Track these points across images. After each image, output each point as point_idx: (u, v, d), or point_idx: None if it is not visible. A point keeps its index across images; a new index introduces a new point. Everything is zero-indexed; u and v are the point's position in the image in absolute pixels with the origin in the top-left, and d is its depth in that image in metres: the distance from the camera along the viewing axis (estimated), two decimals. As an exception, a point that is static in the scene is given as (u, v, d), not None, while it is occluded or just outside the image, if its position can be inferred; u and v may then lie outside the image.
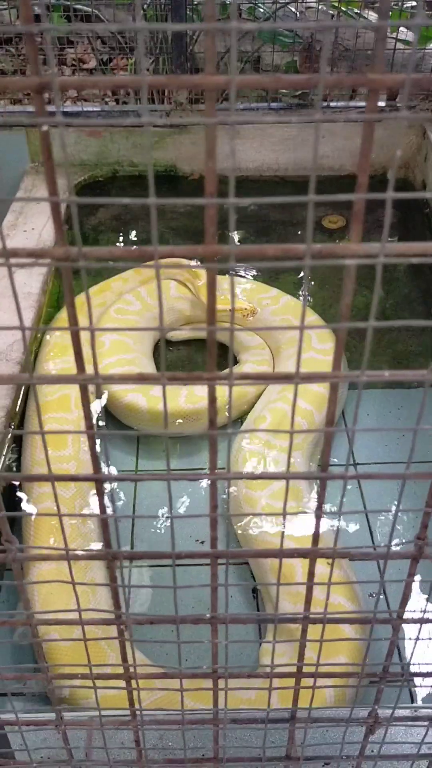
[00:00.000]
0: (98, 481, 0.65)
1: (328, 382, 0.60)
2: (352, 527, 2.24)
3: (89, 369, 0.57)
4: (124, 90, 4.07)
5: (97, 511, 2.21)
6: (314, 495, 2.28)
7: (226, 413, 2.57)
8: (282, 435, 2.38)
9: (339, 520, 0.70)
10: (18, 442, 2.41)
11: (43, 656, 0.83)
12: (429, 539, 0.73)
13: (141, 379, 0.59)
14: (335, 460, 2.45)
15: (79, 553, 0.70)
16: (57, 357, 2.61)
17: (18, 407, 2.44)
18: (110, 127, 3.46)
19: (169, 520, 0.73)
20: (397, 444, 2.52)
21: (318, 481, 0.86)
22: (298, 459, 2.35)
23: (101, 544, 2.12)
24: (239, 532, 2.16)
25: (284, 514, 0.68)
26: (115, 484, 2.42)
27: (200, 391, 2.57)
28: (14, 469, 2.33)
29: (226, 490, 2.26)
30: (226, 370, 0.60)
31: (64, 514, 0.67)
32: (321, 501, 0.70)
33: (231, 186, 0.49)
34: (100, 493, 0.67)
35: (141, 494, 2.37)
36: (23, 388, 2.52)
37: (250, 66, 4.01)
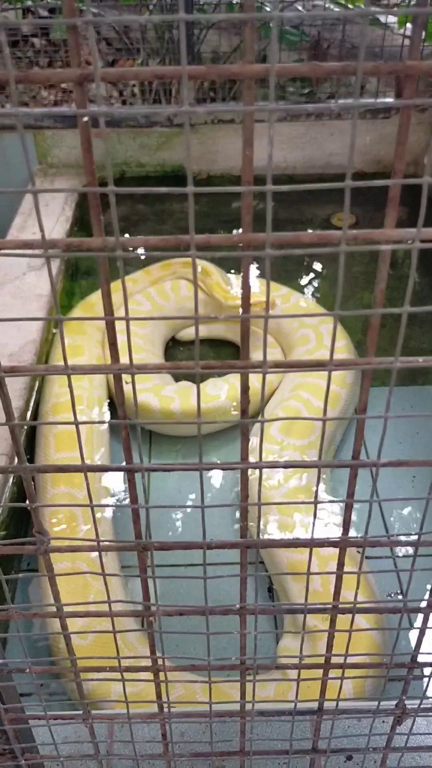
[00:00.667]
0: (131, 471, 0.66)
1: (360, 369, 0.60)
2: (365, 517, 2.24)
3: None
4: (129, 91, 4.09)
5: (107, 511, 2.21)
6: (329, 497, 2.28)
7: (233, 411, 2.58)
8: (295, 434, 2.38)
9: (370, 507, 0.69)
10: (29, 442, 2.42)
11: (72, 650, 0.83)
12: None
13: (175, 368, 0.59)
14: (346, 457, 2.44)
15: (111, 544, 0.71)
16: (68, 357, 2.62)
17: (30, 409, 2.45)
18: (122, 129, 3.47)
19: (189, 516, 0.73)
20: (411, 441, 2.52)
21: (331, 483, 0.87)
22: (314, 457, 2.35)
23: (112, 537, 2.13)
24: (253, 531, 2.17)
25: (315, 502, 0.68)
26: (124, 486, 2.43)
27: (212, 390, 2.58)
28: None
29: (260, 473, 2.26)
30: (259, 359, 0.60)
31: (96, 504, 0.67)
32: (352, 490, 0.70)
33: (268, 180, 0.49)
34: (132, 485, 0.67)
35: (153, 494, 2.37)
36: (36, 390, 2.53)
37: (258, 62, 4.01)
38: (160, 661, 0.84)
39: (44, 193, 3.40)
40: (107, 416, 2.58)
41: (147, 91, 3.77)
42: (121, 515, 2.26)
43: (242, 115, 0.48)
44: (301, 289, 3.10)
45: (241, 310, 0.56)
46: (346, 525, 0.72)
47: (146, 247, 0.52)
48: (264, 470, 2.06)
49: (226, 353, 2.94)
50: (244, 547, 0.72)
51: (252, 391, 2.14)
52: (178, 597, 2.05)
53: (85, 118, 0.48)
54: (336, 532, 2.01)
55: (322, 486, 2.23)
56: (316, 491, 0.67)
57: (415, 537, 0.74)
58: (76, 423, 0.61)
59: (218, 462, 2.47)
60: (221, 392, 2.56)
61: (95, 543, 0.70)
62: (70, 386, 0.60)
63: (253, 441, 2.37)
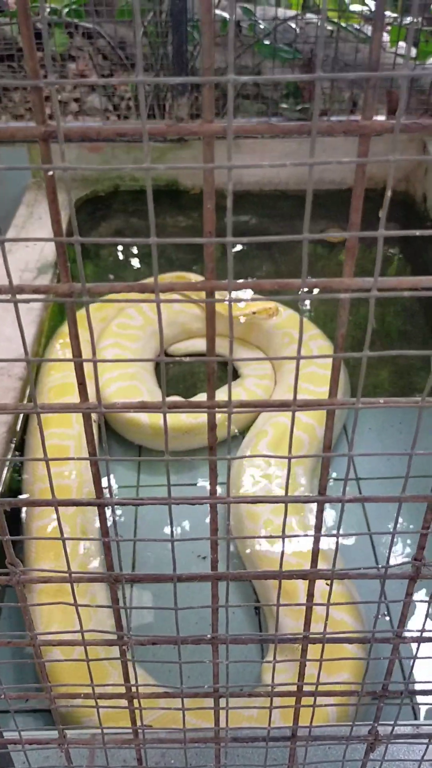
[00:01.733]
0: (101, 506, 0.67)
1: (324, 409, 0.61)
2: (355, 543, 2.25)
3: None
4: (126, 104, 4.12)
5: (98, 524, 2.22)
6: (312, 515, 2.29)
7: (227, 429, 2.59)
8: (284, 451, 2.39)
9: (337, 540, 0.71)
10: (18, 448, 2.43)
11: (46, 677, 0.84)
12: (427, 560, 0.75)
13: (142, 407, 0.61)
14: (334, 474, 2.46)
15: (82, 575, 0.72)
16: (58, 371, 2.63)
17: (20, 423, 2.46)
18: (111, 141, 3.50)
19: (173, 537, 0.74)
20: (399, 458, 2.53)
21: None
22: (300, 473, 2.36)
23: (101, 558, 2.14)
24: (241, 547, 2.17)
25: (283, 537, 0.69)
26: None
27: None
28: (17, 475, 2.34)
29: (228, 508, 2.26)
30: (225, 398, 0.62)
31: (68, 537, 0.68)
32: (319, 524, 0.71)
33: (228, 225, 0.50)
34: (103, 518, 0.68)
35: (143, 510, 2.38)
36: (31, 377, 2.54)
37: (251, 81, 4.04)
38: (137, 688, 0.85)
39: (38, 206, 3.42)
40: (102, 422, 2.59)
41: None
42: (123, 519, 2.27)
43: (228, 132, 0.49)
44: (294, 305, 3.12)
45: (206, 353, 0.58)
46: (314, 557, 0.73)
47: (111, 292, 0.54)
48: (252, 485, 2.05)
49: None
50: (213, 579, 0.73)
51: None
52: (172, 623, 2.06)
53: (51, 173, 0.49)
54: (326, 548, 2.01)
55: (306, 506, 2.23)
56: (284, 522, 0.68)
57: (388, 568, 0.75)
58: (47, 459, 0.62)
59: (200, 484, 2.48)
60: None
61: (66, 574, 0.71)
62: (40, 426, 0.61)
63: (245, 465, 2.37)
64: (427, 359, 3.00)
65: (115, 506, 2.42)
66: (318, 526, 0.70)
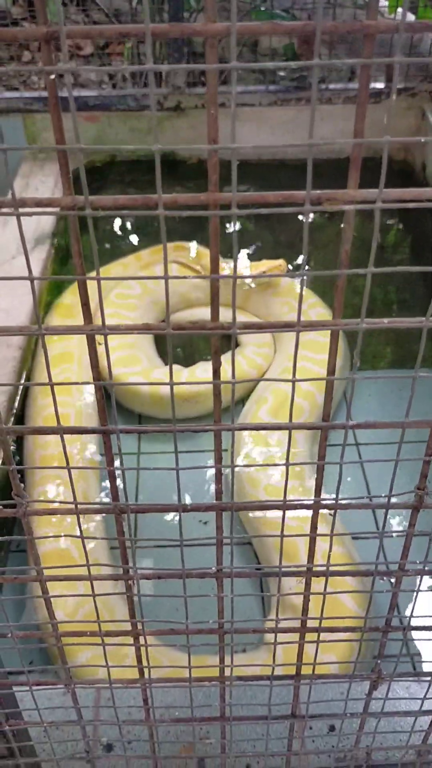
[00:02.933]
0: (105, 433, 0.67)
1: (329, 330, 0.61)
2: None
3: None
4: (121, 75, 4.07)
5: (102, 488, 2.23)
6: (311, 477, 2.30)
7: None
8: (284, 417, 2.39)
9: (341, 471, 0.71)
10: (23, 396, 2.46)
11: (53, 613, 0.85)
12: (429, 489, 0.75)
13: (146, 328, 0.61)
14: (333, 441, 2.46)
15: (88, 506, 0.72)
16: (60, 340, 2.63)
17: (19, 396, 2.46)
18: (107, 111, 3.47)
19: (176, 479, 0.74)
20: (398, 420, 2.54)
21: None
22: (300, 439, 2.37)
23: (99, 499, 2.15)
24: (242, 512, 2.19)
25: (284, 500, 0.70)
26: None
27: (202, 373, 2.59)
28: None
29: (231, 471, 2.28)
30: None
31: (74, 467, 0.69)
32: (323, 451, 0.71)
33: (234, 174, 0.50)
34: (108, 446, 0.69)
35: (144, 478, 2.39)
36: (31, 347, 2.55)
37: (248, 49, 4.00)
38: (141, 626, 0.86)
39: (33, 178, 3.40)
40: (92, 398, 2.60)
41: (138, 74, 3.76)
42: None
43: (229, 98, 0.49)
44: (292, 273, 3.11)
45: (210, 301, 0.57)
46: (318, 487, 0.74)
47: (115, 206, 0.53)
48: (252, 450, 2.06)
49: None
50: (218, 509, 0.74)
51: (240, 373, 2.15)
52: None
53: (52, 76, 0.49)
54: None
55: (306, 472, 2.25)
56: (288, 453, 0.68)
57: (387, 499, 0.75)
58: (51, 384, 0.62)
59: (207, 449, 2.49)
60: (209, 376, 2.57)
61: (73, 506, 0.72)
62: (44, 345, 0.61)
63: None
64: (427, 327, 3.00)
65: (120, 472, 2.43)
66: (322, 455, 0.70)
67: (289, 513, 2.14)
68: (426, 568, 0.81)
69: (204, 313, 2.96)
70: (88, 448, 2.33)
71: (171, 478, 2.59)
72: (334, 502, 0.73)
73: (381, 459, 0.66)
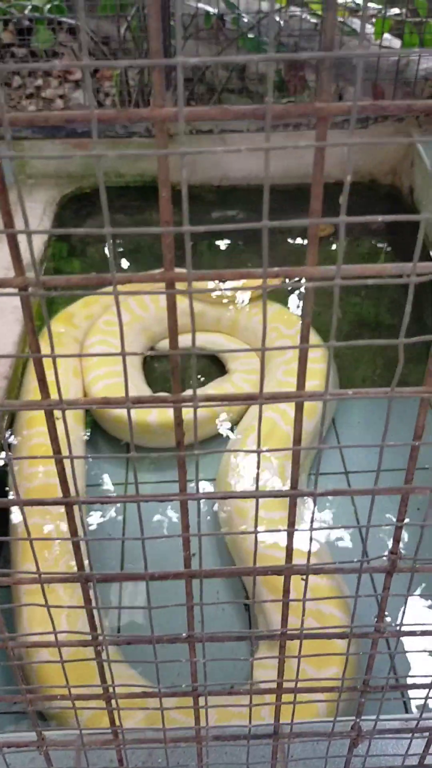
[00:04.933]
0: (68, 504, 0.65)
1: (293, 402, 0.60)
2: (346, 537, 2.24)
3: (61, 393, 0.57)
4: (111, 101, 4.09)
5: (89, 519, 2.20)
6: (306, 504, 2.28)
7: (217, 419, 2.58)
8: (273, 445, 2.37)
9: (311, 536, 0.70)
10: (9, 422, 2.43)
11: (22, 678, 0.83)
12: (403, 553, 0.74)
13: (105, 402, 0.59)
14: (325, 470, 2.45)
15: (53, 576, 0.70)
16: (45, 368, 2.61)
17: (5, 422, 2.44)
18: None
19: (160, 532, 0.73)
20: (388, 450, 2.52)
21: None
22: (289, 467, 2.35)
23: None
24: (230, 543, 2.16)
25: (255, 533, 0.68)
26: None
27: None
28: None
29: (198, 504, 2.26)
30: (190, 391, 0.60)
31: (35, 538, 0.67)
32: (292, 518, 0.70)
33: (185, 213, 0.49)
34: (71, 517, 0.67)
35: (131, 505, 2.37)
36: (18, 376, 2.52)
37: (236, 75, 4.02)
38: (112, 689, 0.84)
39: (16, 205, 3.39)
40: (81, 429, 2.57)
41: (126, 101, 3.78)
42: (105, 521, 2.26)
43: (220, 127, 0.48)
44: (280, 299, 3.11)
45: (169, 346, 0.56)
46: (289, 552, 0.72)
47: (67, 286, 0.52)
48: (240, 479, 2.04)
49: (203, 364, 2.94)
50: (187, 576, 0.72)
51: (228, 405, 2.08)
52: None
53: (-3, 161, 0.47)
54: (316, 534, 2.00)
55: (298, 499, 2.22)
56: (255, 527, 0.67)
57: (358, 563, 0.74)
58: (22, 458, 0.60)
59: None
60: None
61: (36, 575, 0.70)
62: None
63: (235, 459, 2.36)
64: (413, 351, 2.99)
65: (105, 504, 2.40)
66: (291, 521, 0.69)
67: (277, 542, 2.07)
68: (402, 629, 0.80)
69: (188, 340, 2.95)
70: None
71: (161, 506, 2.54)
72: (305, 567, 0.72)
73: (351, 525, 0.65)
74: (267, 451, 0.61)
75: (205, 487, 2.39)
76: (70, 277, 0.52)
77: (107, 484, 2.48)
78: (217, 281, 0.55)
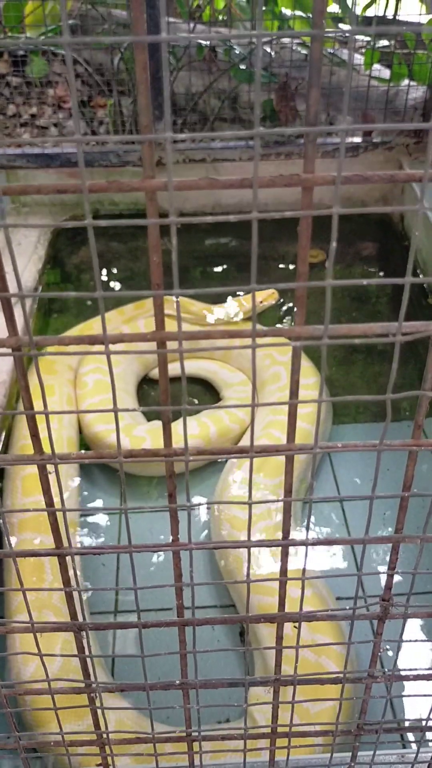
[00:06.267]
0: (61, 555, 0.66)
1: (283, 455, 0.61)
2: (340, 553, 2.23)
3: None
4: (105, 129, 4.14)
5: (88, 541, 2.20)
6: (301, 528, 2.28)
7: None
8: (268, 473, 2.38)
9: (303, 584, 0.70)
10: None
11: (15, 726, 0.82)
12: (395, 600, 0.74)
13: (99, 456, 0.60)
14: (320, 494, 2.45)
15: (45, 625, 0.70)
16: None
17: (0, 443, 2.44)
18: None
19: (158, 560, 0.73)
20: (382, 478, 2.52)
21: (301, 519, 0.87)
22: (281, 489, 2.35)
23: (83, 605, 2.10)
24: (222, 563, 2.16)
25: (248, 582, 0.68)
26: (101, 516, 2.42)
27: (181, 429, 2.58)
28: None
29: (211, 516, 2.25)
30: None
31: (28, 588, 0.67)
32: (284, 566, 0.70)
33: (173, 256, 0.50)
34: (64, 568, 0.67)
35: (125, 538, 2.36)
36: (7, 426, 2.52)
37: (228, 104, 4.08)
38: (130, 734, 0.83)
39: (16, 232, 3.42)
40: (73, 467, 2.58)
41: (120, 130, 3.82)
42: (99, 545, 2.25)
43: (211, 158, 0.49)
44: (274, 324, 3.13)
45: (160, 401, 0.57)
46: (281, 600, 0.72)
47: (60, 344, 0.53)
48: (235, 507, 2.03)
49: (197, 391, 2.95)
50: (180, 624, 0.72)
51: (222, 428, 2.13)
52: (164, 639, 2.03)
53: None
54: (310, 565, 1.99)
55: (297, 518, 2.23)
56: (248, 571, 0.67)
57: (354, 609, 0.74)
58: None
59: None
60: (192, 432, 2.56)
61: (29, 624, 0.70)
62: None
63: (228, 477, 2.37)
64: (408, 378, 3.01)
65: (98, 554, 2.39)
66: (283, 570, 0.69)
67: (274, 568, 2.07)
68: (395, 674, 0.80)
69: (186, 367, 2.96)
70: (73, 480, 2.33)
71: (156, 525, 2.52)
72: (298, 614, 0.72)
73: (344, 574, 0.65)
74: (259, 503, 0.61)
75: (202, 499, 2.39)
76: (63, 337, 0.53)
77: (101, 507, 2.48)
78: (205, 310, 0.56)
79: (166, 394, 0.57)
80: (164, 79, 0.40)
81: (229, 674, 1.87)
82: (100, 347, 0.52)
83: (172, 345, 0.53)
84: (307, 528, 0.66)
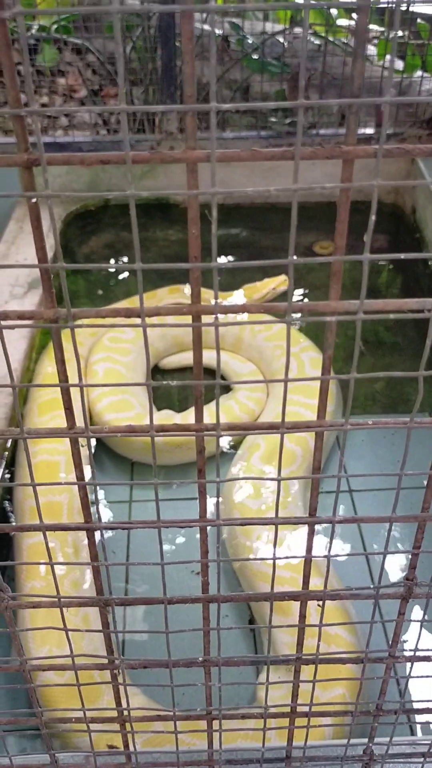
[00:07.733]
0: (89, 530, 0.66)
1: (312, 431, 0.61)
2: (349, 557, 2.24)
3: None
4: (115, 118, 4.13)
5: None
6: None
7: (219, 441, 2.58)
8: (277, 463, 2.38)
9: (328, 562, 0.71)
10: (9, 465, 2.42)
11: (37, 701, 0.83)
12: (419, 579, 0.74)
13: (131, 431, 0.60)
14: (327, 488, 2.45)
15: (72, 600, 0.71)
16: (50, 390, 2.62)
17: (9, 441, 2.44)
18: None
19: (166, 554, 0.73)
20: (394, 470, 2.53)
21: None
22: (295, 486, 2.35)
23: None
24: (234, 562, 2.16)
25: (274, 559, 0.69)
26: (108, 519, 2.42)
27: (193, 419, 2.58)
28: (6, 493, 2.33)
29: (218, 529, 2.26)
30: (215, 413, 0.61)
31: (56, 563, 0.68)
32: (310, 545, 0.70)
33: (213, 242, 0.50)
34: (92, 542, 0.68)
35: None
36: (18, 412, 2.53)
37: (240, 95, 4.07)
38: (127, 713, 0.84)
39: (28, 222, 3.42)
40: (92, 442, 2.57)
41: (131, 120, 3.81)
42: (108, 538, 2.26)
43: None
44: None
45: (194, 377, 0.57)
46: (306, 578, 0.73)
47: (98, 316, 0.53)
48: (248, 498, 2.04)
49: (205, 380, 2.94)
50: (205, 601, 0.73)
51: (232, 418, 2.13)
52: (164, 642, 2.04)
53: (33, 200, 0.49)
54: (318, 550, 2.00)
55: (301, 505, 2.24)
56: (274, 550, 0.67)
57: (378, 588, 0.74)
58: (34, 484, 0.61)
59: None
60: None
61: (56, 599, 0.71)
62: (27, 453, 0.61)
63: (234, 470, 2.38)
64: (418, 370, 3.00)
65: (126, 528, 2.41)
66: (309, 548, 0.70)
67: (280, 562, 2.10)
68: (417, 654, 0.80)
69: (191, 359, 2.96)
70: (77, 497, 2.32)
71: (163, 515, 2.55)
72: (322, 592, 0.72)
73: (370, 552, 0.65)
74: (288, 479, 0.62)
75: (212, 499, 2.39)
76: (101, 309, 0.53)
77: (109, 499, 2.49)
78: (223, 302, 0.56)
79: (199, 368, 0.57)
80: (211, 56, 0.40)
81: (236, 670, 1.88)
82: (136, 320, 0.53)
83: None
84: (335, 504, 0.66)
